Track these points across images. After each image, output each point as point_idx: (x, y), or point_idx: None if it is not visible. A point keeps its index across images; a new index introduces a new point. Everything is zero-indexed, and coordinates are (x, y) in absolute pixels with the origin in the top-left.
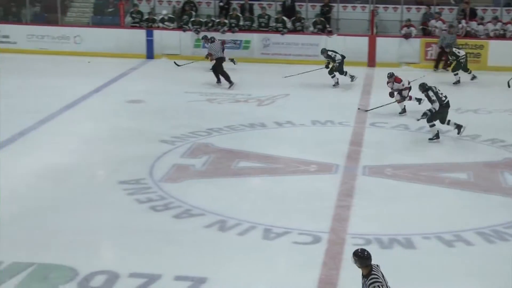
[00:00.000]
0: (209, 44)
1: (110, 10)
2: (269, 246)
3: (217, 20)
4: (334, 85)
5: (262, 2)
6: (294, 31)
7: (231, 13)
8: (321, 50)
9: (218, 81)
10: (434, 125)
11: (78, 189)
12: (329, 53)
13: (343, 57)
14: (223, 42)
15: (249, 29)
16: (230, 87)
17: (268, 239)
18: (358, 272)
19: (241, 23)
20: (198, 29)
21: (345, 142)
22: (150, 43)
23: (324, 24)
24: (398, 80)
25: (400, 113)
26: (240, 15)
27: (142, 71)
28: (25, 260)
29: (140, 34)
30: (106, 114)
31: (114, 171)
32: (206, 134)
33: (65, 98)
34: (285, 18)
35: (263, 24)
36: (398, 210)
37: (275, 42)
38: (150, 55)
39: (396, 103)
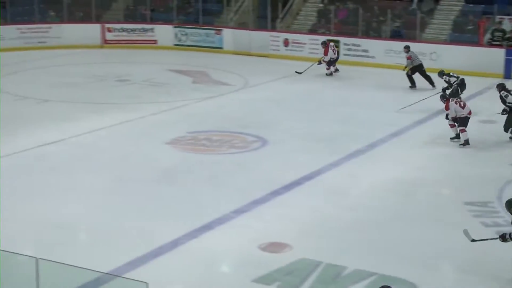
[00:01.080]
0: (407, 53)
1: (469, 27)
2: None
3: None
4: None
5: None
6: None
7: None
8: (439, 73)
9: (413, 85)
10: None
11: (422, 205)
12: (446, 78)
13: (460, 80)
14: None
15: None
16: (433, 88)
17: None
18: None
19: None
20: None
21: None
22: (508, 63)
23: None
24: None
25: (451, 138)
26: None
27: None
28: (367, 269)
29: (498, 53)
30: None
31: (460, 191)
32: None
33: (417, 113)
34: None
35: None
36: None
37: None
38: (507, 74)
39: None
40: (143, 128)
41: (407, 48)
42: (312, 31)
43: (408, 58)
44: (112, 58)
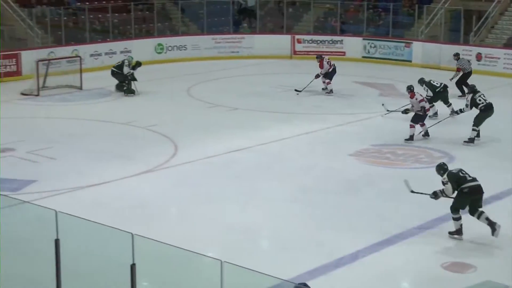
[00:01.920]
0: (457, 60)
1: None
2: None
3: None
4: (430, 116)
5: None
6: None
7: None
8: (419, 81)
9: (462, 95)
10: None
11: None
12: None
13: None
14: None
15: None
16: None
17: None
18: None
19: None
20: None
21: None
22: None
23: None
24: (412, 96)
25: (406, 139)
26: None
27: None
28: None
29: None
30: None
31: None
32: None
33: None
34: None
35: None
36: None
37: None
38: None
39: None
40: (327, 138)
41: (457, 56)
42: (508, 45)
43: (458, 69)
44: (300, 68)
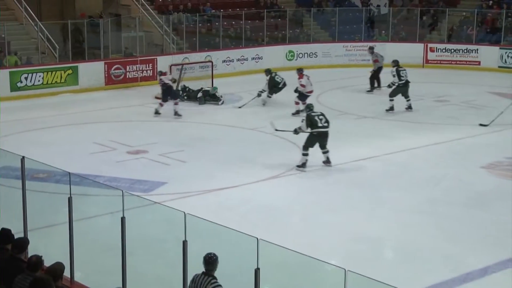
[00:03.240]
0: (372, 53)
1: None
2: None
3: None
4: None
5: None
6: None
7: None
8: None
9: (371, 90)
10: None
11: None
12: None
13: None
14: None
15: None
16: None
17: None
18: None
19: None
20: None
21: None
22: None
23: None
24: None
25: (293, 113)
26: None
27: None
28: None
29: None
30: None
31: None
32: None
33: None
34: None
35: None
36: None
37: None
38: None
39: None
40: (459, 150)
41: (372, 49)
42: None
43: (375, 61)
44: (432, 77)
